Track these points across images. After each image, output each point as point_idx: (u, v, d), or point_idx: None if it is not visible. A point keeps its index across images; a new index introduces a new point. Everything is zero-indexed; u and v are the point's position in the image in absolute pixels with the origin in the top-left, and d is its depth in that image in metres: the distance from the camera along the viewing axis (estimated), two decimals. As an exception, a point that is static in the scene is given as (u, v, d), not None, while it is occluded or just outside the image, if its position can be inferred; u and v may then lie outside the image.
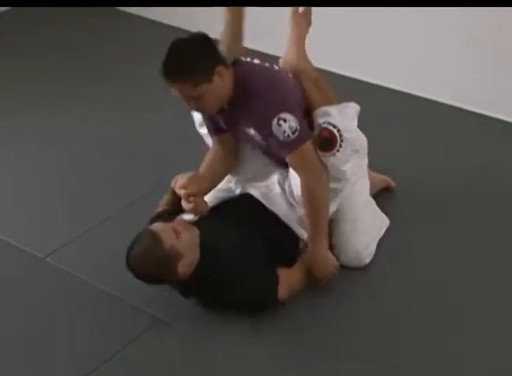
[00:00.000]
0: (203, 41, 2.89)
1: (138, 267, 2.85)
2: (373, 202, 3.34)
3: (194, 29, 5.08)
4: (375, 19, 4.31)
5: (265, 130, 2.93)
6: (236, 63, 2.98)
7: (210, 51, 2.89)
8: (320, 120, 3.05)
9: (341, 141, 3.02)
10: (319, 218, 3.02)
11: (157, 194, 3.34)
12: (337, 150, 3.02)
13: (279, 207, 3.11)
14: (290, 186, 3.11)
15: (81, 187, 3.69)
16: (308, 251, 3.08)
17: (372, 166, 3.27)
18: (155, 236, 2.82)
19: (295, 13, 3.33)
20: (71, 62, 4.82)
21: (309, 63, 3.21)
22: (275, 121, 2.88)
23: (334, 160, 3.03)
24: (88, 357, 2.83)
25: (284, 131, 2.88)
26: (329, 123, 3.03)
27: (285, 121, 2.88)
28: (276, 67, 3.14)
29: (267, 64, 3.12)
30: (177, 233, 2.85)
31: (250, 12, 4.73)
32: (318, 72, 3.20)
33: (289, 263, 3.08)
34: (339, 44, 4.41)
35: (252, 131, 3.00)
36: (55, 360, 2.83)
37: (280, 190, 3.13)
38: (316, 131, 3.03)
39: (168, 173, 3.25)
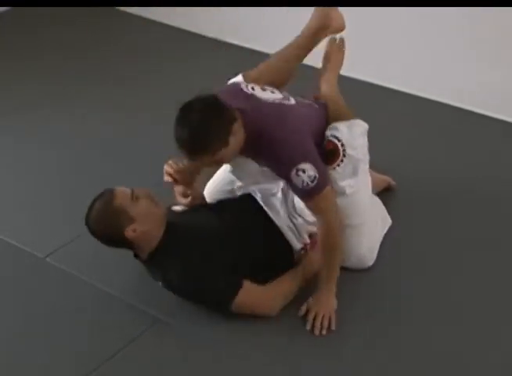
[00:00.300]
0: (212, 104, 2.77)
1: (90, 223, 2.89)
2: (377, 201, 3.34)
3: (194, 29, 5.12)
4: (375, 19, 4.31)
5: (283, 176, 2.90)
6: (242, 111, 2.85)
7: (223, 114, 2.76)
8: (328, 132, 3.06)
9: (343, 156, 3.03)
10: (335, 258, 2.97)
11: (157, 194, 3.33)
12: (338, 165, 3.02)
13: (277, 212, 3.10)
14: (293, 198, 3.09)
15: (81, 187, 3.69)
16: (315, 295, 2.99)
17: (372, 166, 3.26)
18: (110, 193, 2.87)
19: (332, 44, 3.32)
20: (71, 62, 4.83)
21: (338, 93, 3.25)
22: (293, 172, 2.83)
23: (334, 173, 3.02)
24: (88, 357, 2.83)
25: (303, 181, 2.84)
26: (335, 136, 3.04)
27: (303, 171, 2.83)
28: (282, 96, 3.04)
29: (271, 93, 3.03)
30: (134, 197, 2.87)
31: (251, 12, 4.74)
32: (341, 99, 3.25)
33: (282, 271, 3.05)
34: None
35: (266, 168, 2.97)
36: (56, 360, 2.82)
37: (282, 198, 3.12)
38: (324, 144, 3.05)
39: (168, 173, 3.26)
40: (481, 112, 4.17)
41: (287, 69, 3.25)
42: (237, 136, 2.80)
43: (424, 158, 3.85)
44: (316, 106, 3.16)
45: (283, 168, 2.87)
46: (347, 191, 3.06)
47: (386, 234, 3.30)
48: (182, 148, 2.77)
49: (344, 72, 3.34)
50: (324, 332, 2.89)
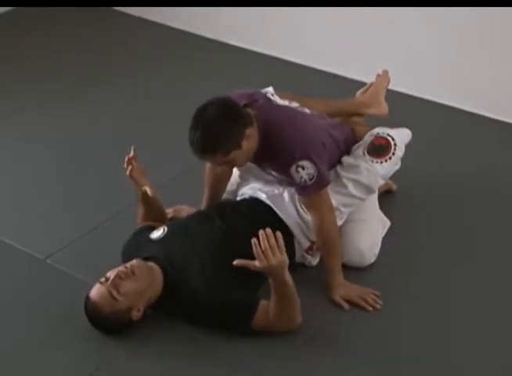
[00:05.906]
0: (226, 107, 2.82)
1: (99, 328, 2.86)
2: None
3: (192, 30, 5.11)
4: (375, 19, 4.31)
5: (284, 173, 2.96)
6: (257, 105, 2.94)
7: (236, 117, 2.82)
8: (378, 130, 3.17)
9: (393, 154, 3.14)
10: (334, 253, 3.03)
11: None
12: (385, 160, 3.12)
13: (284, 209, 3.09)
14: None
15: (81, 188, 3.69)
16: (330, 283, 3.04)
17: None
18: (94, 307, 2.80)
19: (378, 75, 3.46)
20: (71, 62, 4.82)
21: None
22: (293, 167, 2.90)
23: (380, 168, 3.12)
24: (89, 358, 2.83)
25: (301, 177, 2.91)
26: (388, 134, 3.16)
27: (303, 168, 2.90)
28: (298, 105, 3.12)
29: (288, 103, 3.11)
30: (113, 294, 2.76)
31: (249, 13, 4.72)
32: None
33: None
34: (338, 45, 4.41)
35: (274, 173, 3.05)
36: (56, 362, 2.83)
37: (289, 195, 3.11)
38: (371, 139, 3.14)
39: (169, 174, 3.26)
40: (482, 113, 4.18)
41: (314, 109, 3.25)
42: (251, 140, 2.86)
43: (424, 159, 3.84)
44: (333, 122, 3.21)
45: (285, 162, 2.91)
46: (375, 189, 3.17)
47: (386, 236, 3.30)
48: (196, 149, 2.81)
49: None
50: (378, 306, 2.98)
